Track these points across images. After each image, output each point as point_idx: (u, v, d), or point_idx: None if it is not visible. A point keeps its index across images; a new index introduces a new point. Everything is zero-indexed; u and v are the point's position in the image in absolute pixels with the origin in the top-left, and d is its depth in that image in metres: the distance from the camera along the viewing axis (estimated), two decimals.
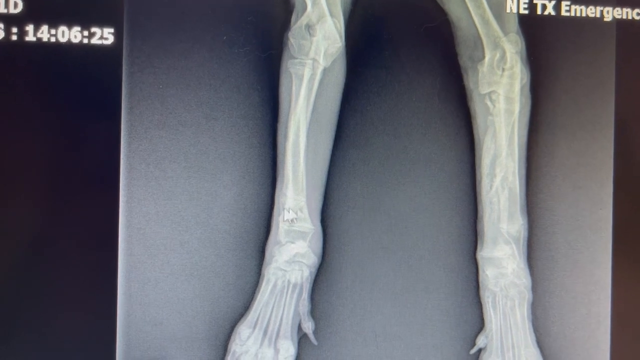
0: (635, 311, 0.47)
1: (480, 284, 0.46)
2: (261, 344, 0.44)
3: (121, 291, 0.43)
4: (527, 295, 0.46)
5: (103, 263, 0.43)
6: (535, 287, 0.46)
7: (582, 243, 0.46)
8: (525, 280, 0.46)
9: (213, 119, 0.44)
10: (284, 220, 0.44)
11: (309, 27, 0.44)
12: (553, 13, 0.46)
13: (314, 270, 0.45)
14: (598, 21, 0.46)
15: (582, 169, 0.46)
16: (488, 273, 0.45)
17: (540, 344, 0.46)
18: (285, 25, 0.44)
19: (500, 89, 0.45)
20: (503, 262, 0.45)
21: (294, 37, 0.44)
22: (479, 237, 0.46)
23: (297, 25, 0.44)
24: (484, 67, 0.45)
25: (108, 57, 0.43)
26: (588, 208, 0.46)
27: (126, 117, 0.43)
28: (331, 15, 0.44)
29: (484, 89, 0.45)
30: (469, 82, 0.46)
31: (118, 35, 0.43)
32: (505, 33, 0.45)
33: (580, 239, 0.46)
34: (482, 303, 0.46)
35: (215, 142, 0.44)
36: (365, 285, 0.45)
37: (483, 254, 0.45)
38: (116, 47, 0.43)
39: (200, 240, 0.43)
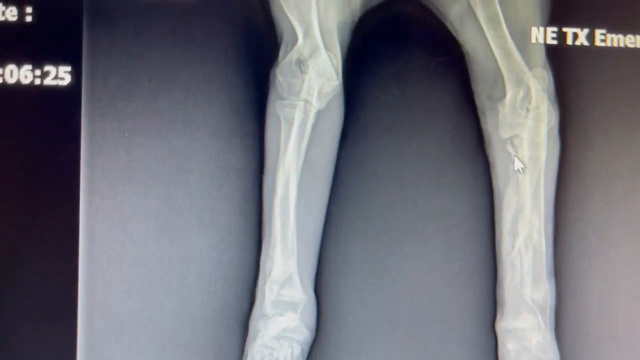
0: None
1: None
2: None
3: None
4: None
5: (60, 342, 0.41)
6: None
7: (619, 312, 0.44)
8: (552, 355, 0.44)
9: (187, 172, 0.42)
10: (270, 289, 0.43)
11: (300, 63, 0.43)
12: (586, 43, 0.45)
13: (306, 347, 0.43)
14: (638, 52, 0.45)
15: (619, 225, 0.45)
16: (509, 347, 0.44)
17: None
18: (271, 60, 0.43)
19: (524, 133, 0.44)
20: (526, 334, 0.44)
21: (282, 75, 0.43)
22: (498, 305, 0.44)
23: (286, 61, 0.43)
24: (505, 108, 0.44)
25: (64, 99, 0.41)
26: (626, 271, 0.44)
27: (86, 171, 0.42)
28: (326, 48, 0.43)
29: (505, 133, 0.44)
30: (488, 124, 0.44)
31: (76, 74, 0.42)
32: (530, 67, 0.44)
33: (617, 307, 0.44)
34: None
35: (190, 198, 0.43)
36: None
37: (503, 324, 0.44)
38: (74, 88, 0.42)
39: (173, 314, 0.42)
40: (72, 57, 0.41)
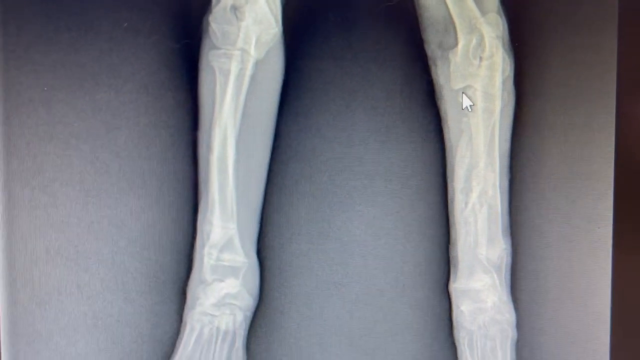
0: (638, 349, 0.45)
1: (454, 322, 0.44)
2: None
3: (4, 349, 0.41)
4: (511, 334, 0.44)
5: None
6: (520, 324, 0.44)
7: (577, 269, 0.44)
8: (508, 315, 0.44)
9: (115, 129, 0.41)
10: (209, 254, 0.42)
11: (235, 9, 0.42)
12: None
13: (249, 314, 0.43)
14: None
15: (576, 180, 0.44)
16: (463, 309, 0.43)
17: None
18: (204, 6, 0.42)
19: (478, 83, 0.43)
20: (481, 295, 0.44)
21: (216, 22, 0.42)
22: (452, 266, 0.44)
23: (220, 6, 0.42)
24: (457, 57, 0.43)
25: None
26: (584, 226, 0.44)
27: (2, 130, 0.40)
28: None
29: (457, 84, 0.43)
30: (439, 75, 0.43)
31: None
32: (484, 13, 0.43)
33: (574, 265, 0.44)
34: (457, 345, 0.44)
35: (118, 158, 0.41)
36: (314, 330, 0.43)
37: (457, 285, 0.44)
38: None
39: (104, 282, 0.41)
40: None
